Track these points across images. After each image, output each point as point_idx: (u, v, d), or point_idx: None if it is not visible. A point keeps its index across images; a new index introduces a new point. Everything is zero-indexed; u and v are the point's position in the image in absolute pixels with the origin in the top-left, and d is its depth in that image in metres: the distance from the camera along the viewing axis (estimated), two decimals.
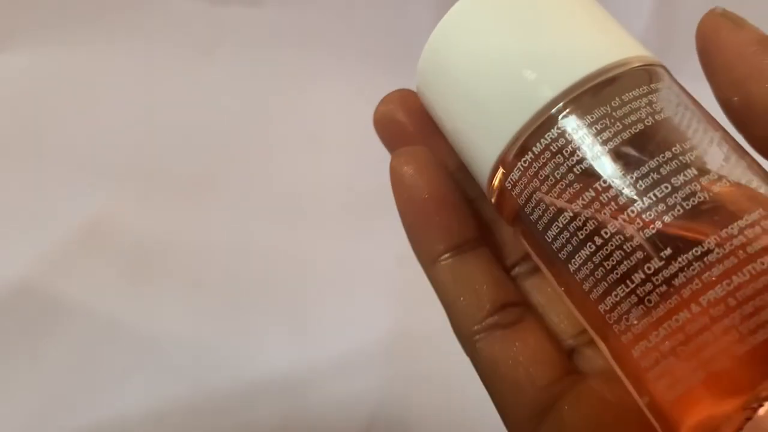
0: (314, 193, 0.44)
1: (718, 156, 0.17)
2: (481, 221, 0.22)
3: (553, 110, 0.18)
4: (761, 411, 0.14)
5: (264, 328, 0.39)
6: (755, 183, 0.17)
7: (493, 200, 0.20)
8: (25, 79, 0.48)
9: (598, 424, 0.18)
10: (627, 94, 0.18)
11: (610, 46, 0.19)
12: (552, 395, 0.19)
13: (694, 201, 0.16)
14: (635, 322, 0.16)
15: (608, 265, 0.16)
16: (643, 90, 0.18)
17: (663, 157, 0.17)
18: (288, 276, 0.41)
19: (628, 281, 0.16)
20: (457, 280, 0.20)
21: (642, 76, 0.18)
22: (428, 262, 0.21)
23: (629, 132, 0.17)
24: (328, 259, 0.41)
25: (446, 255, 0.21)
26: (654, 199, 0.16)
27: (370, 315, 0.39)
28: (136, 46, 0.49)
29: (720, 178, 0.16)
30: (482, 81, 0.19)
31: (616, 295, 0.16)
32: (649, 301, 0.16)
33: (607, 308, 0.17)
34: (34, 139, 0.47)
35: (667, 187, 0.16)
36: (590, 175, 0.17)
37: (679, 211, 0.16)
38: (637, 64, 0.18)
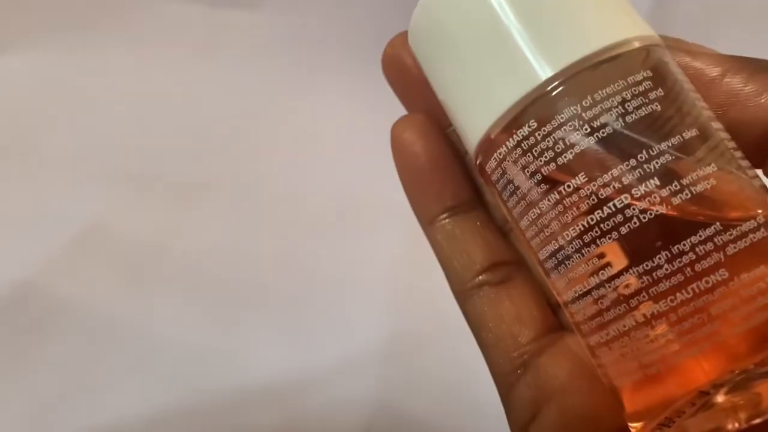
0: (312, 197, 0.44)
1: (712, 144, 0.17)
2: (476, 182, 0.23)
3: (549, 88, 0.17)
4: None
5: (261, 332, 0.40)
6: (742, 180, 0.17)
7: (477, 164, 0.20)
8: (22, 82, 0.48)
9: (571, 379, 0.20)
10: (632, 76, 0.17)
11: (614, 24, 0.18)
12: (532, 351, 0.21)
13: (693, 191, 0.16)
14: (585, 321, 0.17)
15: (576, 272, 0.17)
16: (644, 74, 0.17)
17: (663, 145, 0.17)
18: (286, 280, 0.41)
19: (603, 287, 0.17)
20: (450, 242, 0.22)
21: (643, 58, 0.18)
22: (425, 223, 0.23)
23: (628, 117, 0.17)
24: (326, 263, 0.42)
25: (442, 216, 0.22)
26: (650, 187, 0.16)
27: (368, 319, 0.40)
28: (133, 50, 0.48)
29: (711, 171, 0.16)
30: (477, 48, 0.19)
31: (575, 293, 0.18)
32: (601, 304, 0.17)
33: (567, 300, 0.18)
34: (31, 143, 0.46)
35: (665, 176, 0.16)
36: (582, 159, 0.17)
37: (683, 197, 0.16)
38: (638, 45, 0.18)
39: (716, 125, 0.18)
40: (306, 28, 0.48)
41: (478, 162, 0.20)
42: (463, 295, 0.22)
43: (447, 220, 0.22)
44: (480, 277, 0.22)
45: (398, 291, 0.41)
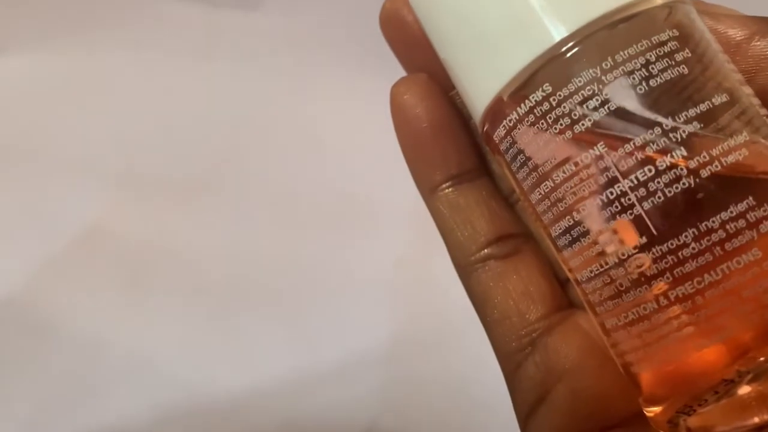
0: (312, 198, 0.43)
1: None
2: (482, 149, 0.21)
3: (564, 48, 0.16)
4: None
5: (262, 334, 0.39)
6: None
7: (483, 132, 0.19)
8: (21, 82, 0.47)
9: (581, 359, 0.19)
10: (657, 35, 0.16)
11: None
12: (540, 329, 0.20)
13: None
14: (599, 297, 0.16)
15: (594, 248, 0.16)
16: (669, 33, 0.16)
17: (690, 111, 0.15)
18: (286, 281, 0.41)
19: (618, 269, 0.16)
20: (453, 212, 0.20)
21: (666, 15, 0.16)
22: (426, 192, 0.21)
23: (652, 80, 0.15)
24: (327, 264, 0.41)
25: (444, 185, 0.21)
26: (677, 158, 0.15)
27: (369, 320, 0.39)
28: (133, 50, 0.47)
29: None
30: (485, 5, 0.17)
31: (591, 272, 0.16)
32: (621, 285, 0.16)
33: (581, 279, 0.17)
34: (30, 143, 0.46)
35: (693, 146, 0.15)
36: (601, 127, 0.15)
37: (713, 168, 0.15)
38: (661, 1, 0.16)
39: (747, 89, 0.16)
40: (306, 29, 0.47)
41: (484, 129, 0.18)
42: (466, 269, 0.20)
43: (450, 189, 0.21)
44: (485, 250, 0.20)
45: (400, 291, 0.40)
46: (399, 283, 0.40)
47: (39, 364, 0.39)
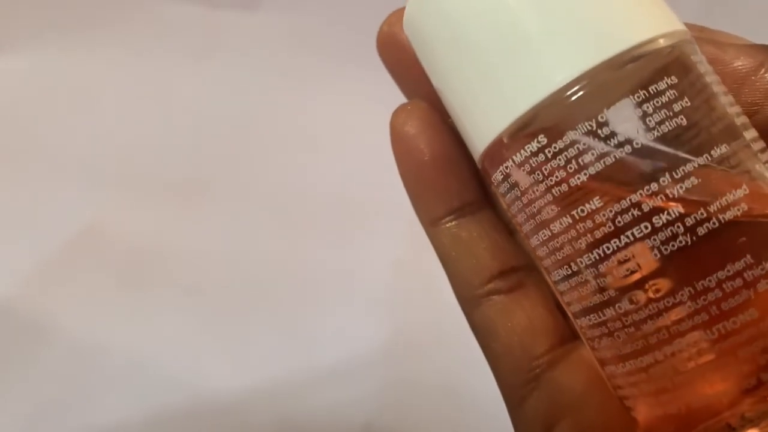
0: (310, 199, 0.42)
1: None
2: (483, 179, 0.21)
3: (568, 93, 0.15)
4: None
5: (258, 334, 0.39)
6: None
7: (482, 168, 0.19)
8: (19, 84, 0.47)
9: (586, 393, 0.19)
10: (655, 85, 0.15)
11: (638, 21, 0.16)
12: (545, 364, 0.20)
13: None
14: (602, 349, 0.16)
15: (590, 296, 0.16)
16: (667, 81, 0.15)
17: (688, 166, 0.15)
18: (283, 282, 0.40)
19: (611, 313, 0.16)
20: (456, 245, 0.20)
21: (671, 59, 0.16)
22: (428, 224, 0.21)
23: (649, 133, 0.15)
24: (324, 266, 0.40)
25: (446, 218, 0.20)
26: (673, 216, 0.15)
27: (366, 321, 0.39)
28: (133, 51, 0.47)
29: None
30: (488, 43, 0.16)
31: (590, 320, 0.16)
32: (618, 336, 0.16)
33: (581, 326, 0.17)
34: (28, 143, 0.45)
35: (690, 203, 0.15)
36: (599, 179, 0.15)
37: (710, 225, 0.15)
38: (665, 44, 0.16)
39: (750, 134, 0.16)
40: (305, 29, 0.46)
41: (482, 166, 0.18)
42: (470, 303, 0.20)
43: (453, 222, 0.20)
44: (489, 285, 0.20)
45: (398, 292, 0.40)
46: (396, 285, 0.40)
47: (36, 365, 0.39)
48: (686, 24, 0.17)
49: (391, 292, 0.40)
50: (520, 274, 0.20)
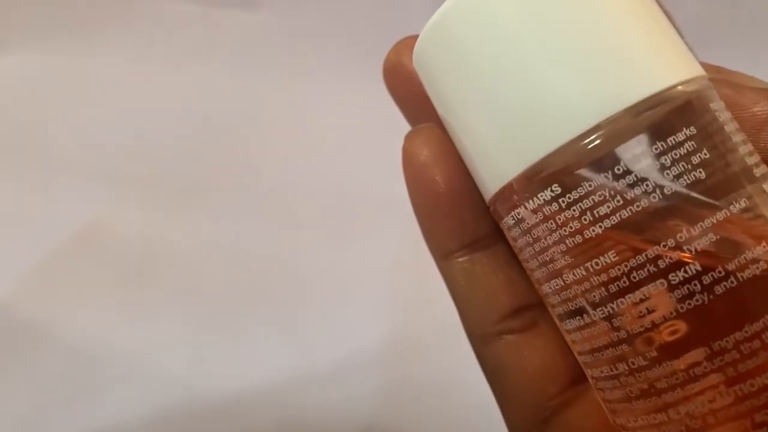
0: (309, 198, 0.42)
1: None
2: None
3: (584, 142, 0.15)
4: None
5: (258, 334, 0.39)
6: None
7: (492, 210, 0.18)
8: (19, 81, 0.47)
9: None
10: (674, 137, 0.15)
11: (657, 68, 0.15)
12: (556, 406, 0.19)
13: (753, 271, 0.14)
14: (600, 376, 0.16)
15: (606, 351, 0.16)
16: (686, 133, 0.15)
17: (707, 222, 0.14)
18: (283, 282, 0.40)
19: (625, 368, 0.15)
20: (468, 281, 0.20)
21: (690, 109, 0.15)
22: (440, 257, 0.20)
23: (667, 188, 0.15)
24: (323, 265, 0.40)
25: (459, 252, 0.20)
26: (690, 273, 0.14)
27: (366, 321, 0.38)
28: (130, 50, 0.46)
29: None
30: (500, 84, 0.16)
31: (602, 372, 0.16)
32: (630, 391, 0.15)
33: (592, 377, 0.16)
34: (28, 143, 0.45)
35: (709, 257, 0.14)
36: (612, 233, 0.15)
37: (728, 285, 0.14)
38: (684, 90, 0.15)
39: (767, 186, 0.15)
40: (304, 28, 0.46)
41: (493, 208, 0.18)
42: (481, 340, 0.20)
43: (466, 257, 0.20)
44: (503, 324, 0.20)
45: (397, 291, 0.40)
46: (396, 284, 0.40)
47: (35, 364, 0.39)
48: (703, 64, 0.17)
49: (390, 292, 0.40)
50: (533, 312, 0.20)
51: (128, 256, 0.42)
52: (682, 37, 0.17)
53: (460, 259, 0.20)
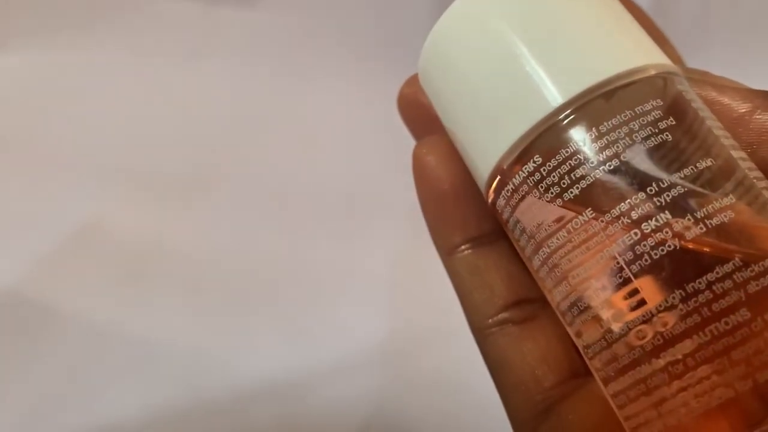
0: (310, 196, 0.43)
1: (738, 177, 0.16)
2: None
3: (560, 116, 0.17)
4: None
5: (259, 332, 0.39)
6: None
7: (489, 202, 0.19)
8: (18, 81, 0.47)
9: (596, 428, 0.19)
10: (641, 106, 0.16)
11: (626, 51, 0.17)
12: (556, 396, 0.20)
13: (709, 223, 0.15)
14: (604, 368, 0.16)
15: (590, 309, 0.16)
16: (653, 103, 0.16)
17: (674, 176, 0.16)
18: (283, 279, 0.40)
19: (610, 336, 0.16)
20: (471, 274, 0.21)
21: (658, 86, 0.17)
22: (445, 253, 0.22)
23: (636, 147, 0.16)
24: (324, 262, 0.41)
25: (463, 247, 0.21)
26: (661, 222, 0.15)
27: (366, 318, 0.39)
28: (129, 49, 0.48)
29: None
30: (484, 80, 0.18)
31: (590, 337, 0.17)
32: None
33: (584, 345, 0.17)
34: (28, 142, 0.46)
35: (677, 209, 0.15)
36: (590, 193, 0.16)
37: (698, 230, 0.15)
38: (653, 72, 0.17)
39: (739, 155, 0.16)
40: (303, 26, 0.47)
41: (490, 201, 0.19)
42: (482, 332, 0.21)
43: (469, 251, 0.21)
44: (503, 314, 0.21)
45: (397, 290, 0.40)
46: (396, 281, 0.40)
47: (36, 360, 0.38)
48: (689, 69, 0.19)
49: (391, 290, 0.40)
50: (534, 305, 0.21)
51: (129, 254, 0.42)
52: (665, 36, 0.19)
53: (464, 253, 0.21)
